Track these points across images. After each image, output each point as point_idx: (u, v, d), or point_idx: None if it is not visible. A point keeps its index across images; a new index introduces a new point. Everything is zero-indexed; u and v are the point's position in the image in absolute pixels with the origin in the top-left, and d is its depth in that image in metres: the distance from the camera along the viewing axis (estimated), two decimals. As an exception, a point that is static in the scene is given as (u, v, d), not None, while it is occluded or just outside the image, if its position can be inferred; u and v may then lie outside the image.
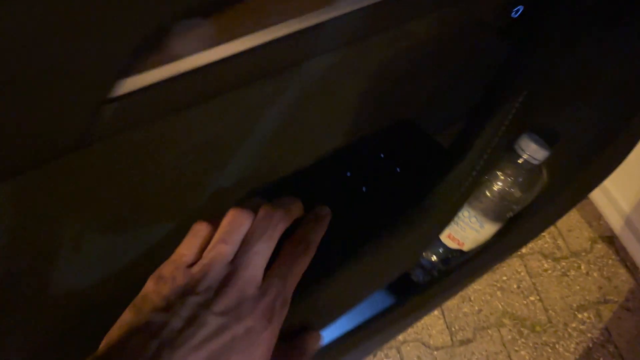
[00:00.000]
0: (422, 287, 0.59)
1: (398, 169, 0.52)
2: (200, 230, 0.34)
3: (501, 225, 0.66)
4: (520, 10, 0.44)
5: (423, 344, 1.12)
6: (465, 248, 0.66)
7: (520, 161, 0.62)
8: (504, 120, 0.50)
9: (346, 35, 0.33)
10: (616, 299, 1.24)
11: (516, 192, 0.64)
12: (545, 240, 1.31)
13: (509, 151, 0.63)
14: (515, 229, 0.65)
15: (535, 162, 0.62)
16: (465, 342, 1.17)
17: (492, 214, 0.65)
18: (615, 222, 1.27)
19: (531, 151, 0.61)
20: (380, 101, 0.49)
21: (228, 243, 0.33)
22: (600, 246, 1.30)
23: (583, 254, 1.30)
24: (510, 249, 0.67)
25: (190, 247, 0.34)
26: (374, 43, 0.36)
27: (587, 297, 1.25)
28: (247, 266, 0.32)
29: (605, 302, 1.25)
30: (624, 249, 1.26)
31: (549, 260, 1.30)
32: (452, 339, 1.17)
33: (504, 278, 1.26)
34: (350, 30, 0.33)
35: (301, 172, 0.46)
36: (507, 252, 0.67)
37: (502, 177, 0.65)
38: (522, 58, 0.50)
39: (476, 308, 1.18)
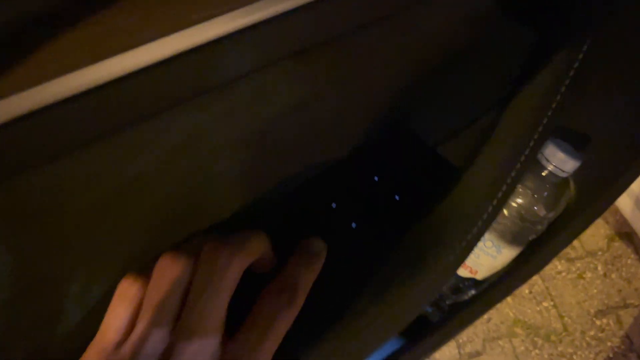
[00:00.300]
0: (433, 326, 0.49)
1: (397, 197, 0.41)
2: (127, 292, 0.27)
3: (521, 249, 0.55)
4: None
5: (428, 359, 1.02)
6: (479, 276, 0.55)
7: (544, 173, 0.52)
8: (538, 124, 0.38)
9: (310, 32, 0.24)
10: (637, 303, 1.14)
11: (540, 210, 0.53)
12: (557, 239, 1.21)
13: (531, 161, 0.53)
14: (536, 253, 0.55)
15: (563, 175, 0.51)
16: (474, 355, 1.08)
17: (510, 237, 0.54)
18: (633, 217, 1.17)
19: (558, 162, 0.50)
20: (370, 105, 0.39)
21: (160, 308, 0.26)
22: (618, 244, 1.20)
23: (599, 253, 1.20)
24: (529, 274, 0.57)
25: (116, 319, 0.26)
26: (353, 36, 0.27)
27: (606, 302, 1.15)
28: (189, 337, 0.25)
29: (626, 306, 1.15)
30: (644, 246, 1.16)
31: (563, 262, 1.20)
32: (459, 352, 1.08)
33: (515, 283, 1.16)
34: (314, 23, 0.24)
35: (271, 204, 0.36)
36: (526, 277, 0.58)
37: (523, 193, 0.54)
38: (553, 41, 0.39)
39: (485, 317, 1.08)
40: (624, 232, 1.20)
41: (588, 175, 0.56)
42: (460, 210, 0.42)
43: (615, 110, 0.56)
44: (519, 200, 0.53)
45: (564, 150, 0.50)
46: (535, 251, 0.55)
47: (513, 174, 0.41)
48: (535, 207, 0.53)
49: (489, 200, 0.40)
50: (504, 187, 0.41)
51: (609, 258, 1.20)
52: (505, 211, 0.53)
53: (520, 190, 0.54)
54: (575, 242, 1.22)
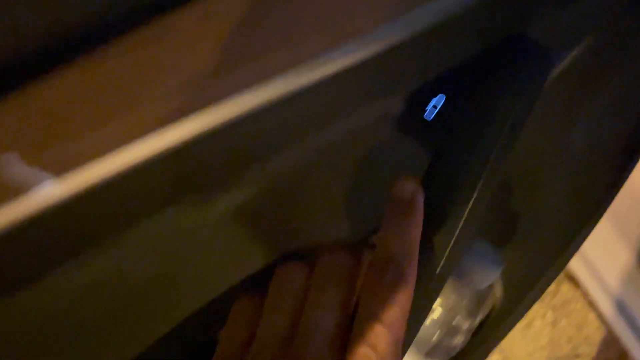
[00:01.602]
0: None
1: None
2: (242, 308, 0.27)
3: (443, 365, 0.48)
4: (438, 108, 0.28)
5: None
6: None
7: (462, 285, 0.45)
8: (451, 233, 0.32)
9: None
10: (588, 352, 1.10)
11: (461, 321, 0.46)
12: (505, 284, 1.16)
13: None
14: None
15: (484, 286, 0.44)
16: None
17: (429, 350, 0.47)
18: (573, 263, 1.13)
19: (476, 274, 0.43)
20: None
21: (278, 310, 0.25)
22: (566, 288, 1.16)
23: (548, 298, 1.15)
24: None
25: (235, 328, 0.27)
26: None
27: (556, 353, 1.10)
28: (309, 331, 0.23)
29: (576, 356, 1.10)
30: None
31: (511, 309, 1.15)
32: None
33: (462, 335, 1.10)
34: None
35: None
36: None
37: (440, 303, 0.47)
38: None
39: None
40: (572, 275, 1.16)
41: (515, 272, 0.50)
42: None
43: (540, 202, 0.50)
44: (437, 312, 0.46)
45: (483, 260, 0.43)
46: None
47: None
48: (454, 322, 0.46)
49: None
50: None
51: (558, 303, 1.16)
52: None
53: (438, 300, 0.47)
54: (524, 287, 1.18)
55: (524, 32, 0.31)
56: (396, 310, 0.23)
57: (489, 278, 0.42)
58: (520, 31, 0.30)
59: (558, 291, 1.18)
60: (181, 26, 0.18)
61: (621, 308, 1.04)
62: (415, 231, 0.26)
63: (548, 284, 0.60)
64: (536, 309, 1.16)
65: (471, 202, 0.31)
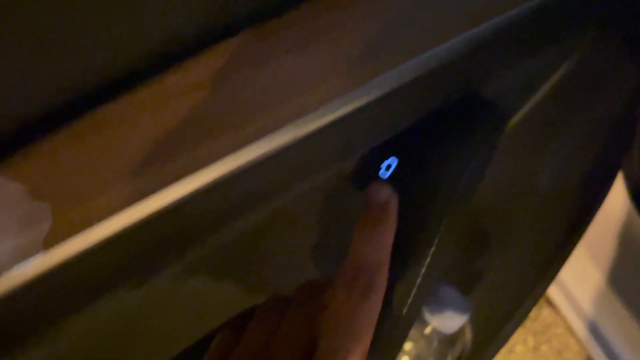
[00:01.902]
0: None
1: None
2: (222, 339, 0.28)
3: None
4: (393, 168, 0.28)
5: None
6: None
7: (428, 330, 0.45)
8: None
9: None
10: (569, 377, 1.10)
11: (430, 367, 0.46)
12: (486, 310, 1.16)
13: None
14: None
15: (450, 332, 0.44)
16: None
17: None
18: (551, 288, 1.14)
19: (445, 319, 0.43)
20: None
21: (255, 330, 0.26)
22: (547, 312, 1.16)
23: (529, 323, 1.15)
24: None
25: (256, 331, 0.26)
26: None
27: (538, 378, 1.10)
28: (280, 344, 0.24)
29: (558, 382, 1.10)
30: (572, 314, 1.12)
31: (493, 335, 1.15)
32: None
33: (444, 363, 1.10)
34: None
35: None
36: None
37: (406, 352, 0.47)
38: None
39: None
40: (551, 300, 1.17)
41: (483, 316, 0.50)
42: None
43: (507, 249, 0.50)
44: (406, 358, 0.45)
45: (449, 306, 0.43)
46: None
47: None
48: (425, 364, 0.45)
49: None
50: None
51: (538, 328, 1.16)
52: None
53: (408, 344, 0.47)
54: (504, 312, 1.18)
55: (476, 92, 0.31)
56: (364, 320, 0.23)
57: (457, 323, 0.42)
58: (472, 92, 0.31)
59: (539, 316, 1.18)
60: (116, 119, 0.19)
61: (596, 332, 1.04)
62: (388, 237, 0.26)
63: (516, 327, 0.60)
64: (518, 334, 1.16)
65: (430, 255, 0.31)
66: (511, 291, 0.52)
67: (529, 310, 0.60)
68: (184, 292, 0.29)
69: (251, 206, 0.27)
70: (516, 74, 0.35)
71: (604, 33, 0.38)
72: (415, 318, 0.35)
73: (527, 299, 0.53)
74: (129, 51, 0.18)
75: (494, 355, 0.56)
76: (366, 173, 0.30)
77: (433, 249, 0.31)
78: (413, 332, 0.45)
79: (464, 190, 0.31)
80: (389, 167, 0.30)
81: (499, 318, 0.52)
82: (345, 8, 0.22)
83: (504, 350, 1.16)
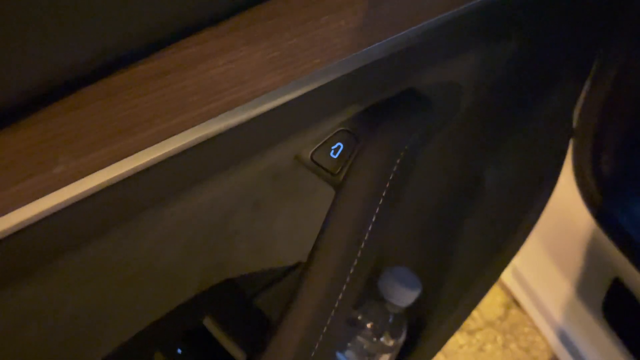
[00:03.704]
0: None
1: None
2: None
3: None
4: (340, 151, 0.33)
5: None
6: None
7: (387, 306, 0.49)
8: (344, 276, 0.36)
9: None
10: (537, 373, 1.14)
11: (387, 340, 0.51)
12: (458, 311, 1.21)
13: (372, 288, 0.50)
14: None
15: (404, 305, 0.49)
16: None
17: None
18: (514, 288, 1.20)
19: (399, 295, 0.48)
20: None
21: None
22: (515, 312, 1.21)
23: (498, 322, 1.20)
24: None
25: None
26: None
27: (506, 375, 1.15)
28: None
29: (526, 377, 1.15)
30: (538, 313, 1.17)
31: (464, 334, 1.20)
32: None
33: (418, 361, 1.13)
34: None
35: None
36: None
37: (365, 326, 0.51)
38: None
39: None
40: (518, 301, 1.22)
41: (434, 297, 0.55)
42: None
43: (455, 233, 0.55)
44: (363, 334, 0.50)
45: (404, 282, 0.48)
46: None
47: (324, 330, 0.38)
48: (382, 338, 0.50)
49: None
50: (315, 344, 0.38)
51: (507, 327, 1.21)
52: (349, 349, 0.49)
53: (362, 323, 0.51)
54: (475, 313, 1.23)
55: (413, 87, 0.36)
56: None
57: (409, 298, 0.47)
58: (409, 87, 0.36)
59: (507, 316, 1.23)
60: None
61: (560, 330, 1.09)
62: None
63: (469, 310, 0.65)
64: (487, 333, 1.21)
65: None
66: (460, 273, 0.57)
67: (481, 295, 0.65)
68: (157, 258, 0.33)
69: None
70: (447, 74, 0.41)
71: (528, 40, 0.44)
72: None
73: (476, 283, 0.58)
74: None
75: (450, 333, 0.61)
76: (320, 154, 0.36)
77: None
78: (371, 309, 0.50)
79: (399, 173, 0.36)
80: (336, 150, 0.35)
81: (448, 302, 0.57)
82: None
83: (474, 349, 1.20)
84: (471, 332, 1.21)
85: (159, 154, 0.25)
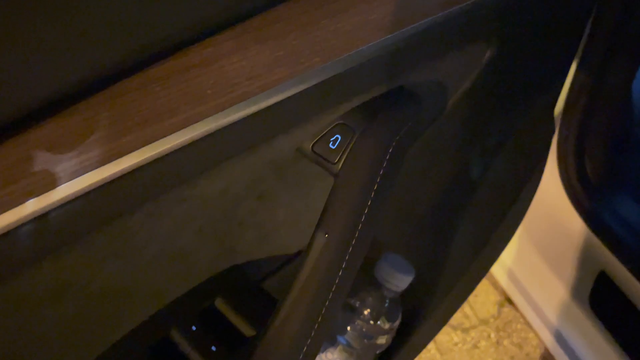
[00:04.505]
0: None
1: (213, 347, 0.40)
2: None
3: (372, 363, 0.56)
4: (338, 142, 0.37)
5: None
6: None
7: (383, 291, 0.53)
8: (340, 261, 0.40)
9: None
10: (529, 368, 1.18)
11: (383, 323, 0.54)
12: (452, 309, 1.24)
13: (369, 277, 0.54)
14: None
15: (399, 290, 0.52)
16: None
17: (356, 355, 0.54)
18: (508, 288, 1.23)
19: (394, 280, 0.51)
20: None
21: None
22: (507, 309, 1.25)
23: (491, 320, 1.23)
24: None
25: None
26: None
27: (501, 370, 1.18)
28: None
29: (519, 372, 1.18)
30: (530, 311, 1.21)
31: (459, 332, 1.23)
32: None
33: None
34: None
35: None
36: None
37: (362, 310, 0.54)
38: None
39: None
40: (511, 299, 1.25)
41: (427, 282, 0.58)
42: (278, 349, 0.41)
43: (446, 223, 0.59)
44: (361, 318, 0.53)
45: (399, 268, 0.51)
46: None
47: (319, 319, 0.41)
48: (379, 322, 0.53)
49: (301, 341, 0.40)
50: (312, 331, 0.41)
51: (500, 324, 1.24)
52: (349, 328, 0.53)
53: (360, 308, 0.54)
54: (468, 311, 1.26)
55: (401, 86, 0.40)
56: None
57: (404, 283, 0.50)
58: (401, 84, 0.40)
59: (500, 314, 1.26)
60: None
61: (551, 326, 1.13)
62: None
63: (461, 299, 0.68)
64: (481, 331, 1.24)
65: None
66: (452, 261, 0.60)
67: (473, 284, 0.68)
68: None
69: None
70: (433, 74, 0.44)
71: (506, 43, 0.48)
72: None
73: (467, 273, 0.61)
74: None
75: (444, 320, 0.64)
76: (320, 145, 0.39)
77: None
78: (368, 295, 0.54)
79: (390, 161, 0.39)
80: (335, 141, 0.39)
81: (443, 286, 0.60)
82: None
83: (468, 346, 1.23)
84: (465, 330, 1.24)
85: (181, 139, 0.28)
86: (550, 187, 0.93)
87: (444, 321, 0.65)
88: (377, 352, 0.54)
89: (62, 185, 0.26)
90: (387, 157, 0.39)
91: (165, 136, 0.27)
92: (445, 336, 1.23)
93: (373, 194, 0.38)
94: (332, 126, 0.39)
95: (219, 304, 0.43)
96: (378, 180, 0.38)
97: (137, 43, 0.26)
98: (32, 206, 0.25)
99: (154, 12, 0.25)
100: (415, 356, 0.62)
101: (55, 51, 0.24)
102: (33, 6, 0.22)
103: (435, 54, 0.40)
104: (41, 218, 0.25)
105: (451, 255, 0.60)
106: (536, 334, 1.22)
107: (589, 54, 0.76)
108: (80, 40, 0.24)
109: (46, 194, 0.25)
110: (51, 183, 0.25)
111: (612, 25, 0.73)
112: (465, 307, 1.27)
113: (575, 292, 0.98)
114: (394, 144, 0.39)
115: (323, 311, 0.40)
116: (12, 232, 0.25)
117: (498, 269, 1.21)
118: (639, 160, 0.95)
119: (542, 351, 1.21)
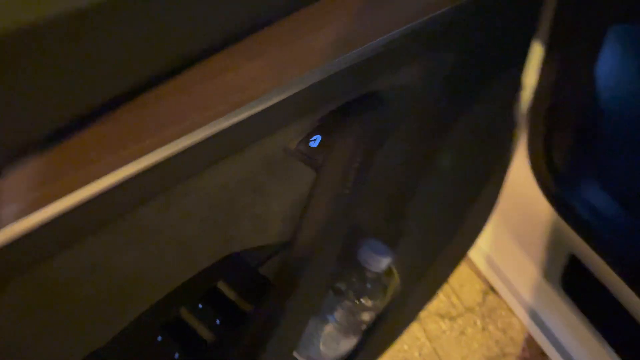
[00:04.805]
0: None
1: (218, 321, 0.47)
2: None
3: (359, 338, 0.62)
4: (318, 140, 0.43)
5: None
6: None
7: (365, 273, 0.59)
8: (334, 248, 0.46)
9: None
10: (514, 351, 1.24)
11: (367, 301, 0.60)
12: (440, 299, 1.31)
13: (352, 261, 0.60)
14: (370, 341, 0.62)
15: (381, 270, 0.59)
16: None
17: (345, 330, 0.61)
18: (488, 275, 1.29)
19: (374, 262, 0.58)
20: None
21: None
22: (492, 297, 1.31)
23: (477, 308, 1.30)
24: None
25: None
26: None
27: (487, 354, 1.24)
28: None
29: (504, 355, 1.24)
30: (512, 297, 1.27)
31: (446, 320, 1.29)
32: None
33: (405, 347, 1.23)
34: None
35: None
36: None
37: (347, 290, 0.61)
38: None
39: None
40: (494, 287, 1.32)
41: (406, 262, 0.65)
42: (277, 334, 0.47)
43: (421, 210, 0.65)
44: (347, 297, 0.60)
45: (378, 251, 0.58)
46: (368, 344, 0.62)
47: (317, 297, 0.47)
48: (362, 300, 0.60)
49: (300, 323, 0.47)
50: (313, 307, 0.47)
51: (485, 311, 1.31)
52: (337, 311, 0.59)
53: (346, 290, 0.61)
54: (455, 300, 1.32)
55: (372, 91, 0.47)
56: None
57: (382, 264, 0.57)
58: (372, 90, 0.46)
59: (485, 301, 1.33)
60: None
61: (532, 311, 1.19)
62: None
63: (441, 282, 0.75)
64: (467, 318, 1.31)
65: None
66: (426, 245, 0.67)
67: (450, 270, 0.75)
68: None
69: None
70: (399, 80, 0.51)
71: (464, 50, 0.54)
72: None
73: (443, 255, 0.68)
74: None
75: (421, 301, 0.70)
76: (302, 145, 0.46)
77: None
78: (352, 277, 0.60)
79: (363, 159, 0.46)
80: (315, 141, 0.46)
81: (418, 269, 0.67)
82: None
83: (456, 334, 1.30)
84: (453, 318, 1.31)
85: (187, 142, 0.35)
86: (521, 176, 1.00)
87: (428, 297, 0.71)
88: (363, 327, 0.61)
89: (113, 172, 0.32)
90: (360, 153, 0.45)
91: (179, 137, 0.34)
92: (433, 324, 1.29)
93: (350, 184, 0.45)
94: (312, 128, 0.46)
95: (222, 285, 0.50)
96: (353, 172, 0.45)
97: (154, 68, 0.33)
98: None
99: (170, 38, 0.32)
100: (399, 333, 0.69)
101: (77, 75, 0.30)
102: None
103: (398, 63, 0.47)
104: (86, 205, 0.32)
105: (427, 239, 0.66)
106: (519, 319, 1.29)
107: (551, 45, 0.81)
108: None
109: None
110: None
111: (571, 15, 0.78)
112: (452, 297, 1.34)
113: (549, 276, 1.05)
114: (365, 141, 0.45)
115: (310, 288, 0.47)
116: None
117: (480, 259, 1.28)
118: (605, 148, 1.01)
119: (525, 335, 1.28)
